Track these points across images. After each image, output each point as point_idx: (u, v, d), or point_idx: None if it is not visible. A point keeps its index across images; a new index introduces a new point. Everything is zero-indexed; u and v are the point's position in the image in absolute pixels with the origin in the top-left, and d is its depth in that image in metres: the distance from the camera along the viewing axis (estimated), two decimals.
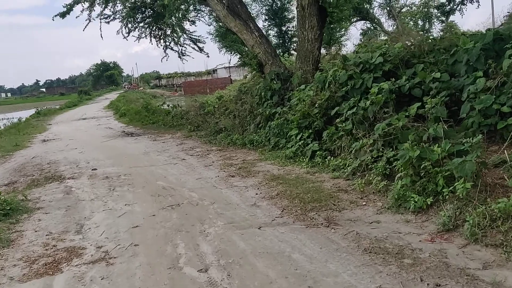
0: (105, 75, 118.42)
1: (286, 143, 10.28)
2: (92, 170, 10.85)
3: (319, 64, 13.06)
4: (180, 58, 21.44)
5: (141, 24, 20.07)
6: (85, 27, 17.46)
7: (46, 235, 6.06)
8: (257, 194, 7.13)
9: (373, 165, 6.86)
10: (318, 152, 8.80)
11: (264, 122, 12.26)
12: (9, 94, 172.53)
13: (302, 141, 9.37)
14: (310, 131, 9.52)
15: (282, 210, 6.14)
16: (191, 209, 6.72)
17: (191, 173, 9.28)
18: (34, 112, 38.14)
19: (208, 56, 61.42)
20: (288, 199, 6.60)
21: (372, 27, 45.09)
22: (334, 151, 8.65)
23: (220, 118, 15.94)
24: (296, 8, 13.16)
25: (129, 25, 19.72)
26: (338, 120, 8.47)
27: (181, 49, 21.34)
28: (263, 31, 16.86)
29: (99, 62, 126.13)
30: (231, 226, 5.74)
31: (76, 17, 17.04)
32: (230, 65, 71.34)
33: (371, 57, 9.02)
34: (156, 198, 7.56)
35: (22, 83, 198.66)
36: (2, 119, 37.02)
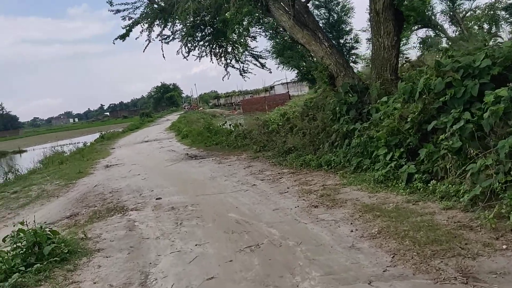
0: (166, 97, 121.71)
1: (371, 164, 8.94)
2: (156, 199, 10.01)
3: (398, 73, 11.73)
4: (242, 75, 20.70)
5: (201, 43, 19.56)
6: (145, 48, 17.08)
7: None
8: (352, 231, 5.85)
9: (505, 194, 5.38)
10: (416, 175, 7.39)
11: (340, 140, 10.98)
12: (76, 119, 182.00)
13: (394, 162, 7.98)
14: (402, 149, 8.14)
15: (393, 256, 4.83)
16: (274, 251, 5.56)
17: (266, 203, 8.15)
18: (98, 136, 38.91)
19: (270, 72, 60.99)
20: (396, 239, 5.27)
21: (434, 34, 42.86)
22: (437, 173, 7.21)
23: (286, 136, 14.83)
24: (369, 14, 11.90)
25: (189, 45, 19.24)
26: (442, 136, 7.03)
27: (242, 66, 20.59)
28: None
29: (159, 84, 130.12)
30: (331, 279, 4.51)
31: (136, 38, 16.75)
32: (287, 81, 70.89)
33: (474, 60, 7.58)
34: (230, 235, 6.48)
35: (88, 108, 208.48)
36: (69, 144, 38.02)
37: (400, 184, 7.49)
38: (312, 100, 16.38)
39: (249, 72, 20.97)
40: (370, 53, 13.96)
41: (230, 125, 23.13)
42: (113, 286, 5.15)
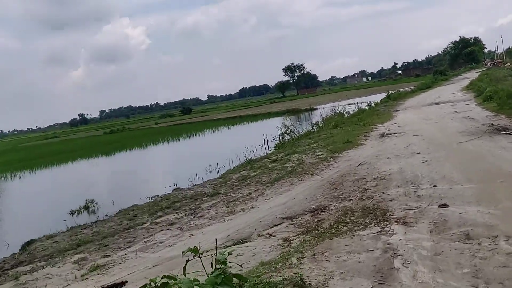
0: (464, 53, 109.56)
1: None
2: (439, 206, 6.14)
3: None
4: None
5: None
6: None
7: None
8: None
9: None
10: None
11: None
12: (369, 78, 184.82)
13: None
14: None
15: None
16: None
17: None
18: (384, 96, 35.77)
19: None
20: None
21: None
22: None
23: None
24: None
25: None
26: None
27: None
28: None
29: (458, 39, 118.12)
30: None
31: None
32: None
33: None
34: None
35: (382, 67, 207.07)
36: (354, 103, 36.28)
37: None
38: None
39: None
40: None
41: None
42: None
